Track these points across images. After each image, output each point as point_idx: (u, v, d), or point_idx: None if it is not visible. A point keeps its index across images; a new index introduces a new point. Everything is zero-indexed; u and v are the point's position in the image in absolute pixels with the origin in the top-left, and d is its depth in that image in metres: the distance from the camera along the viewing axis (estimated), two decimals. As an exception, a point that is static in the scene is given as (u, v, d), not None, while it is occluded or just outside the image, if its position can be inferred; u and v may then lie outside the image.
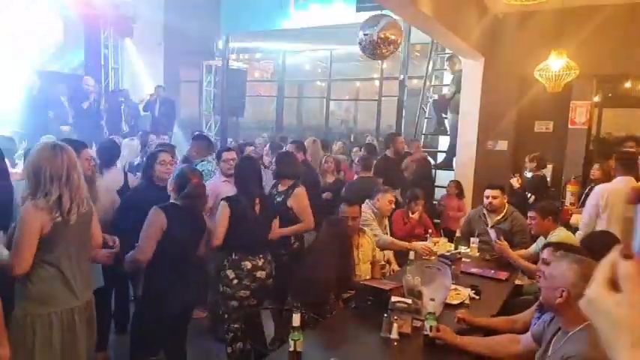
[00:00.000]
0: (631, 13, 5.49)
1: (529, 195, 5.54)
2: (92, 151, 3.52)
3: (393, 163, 5.58)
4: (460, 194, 5.77)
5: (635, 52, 5.54)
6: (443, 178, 7.13)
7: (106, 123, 8.74)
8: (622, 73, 6.33)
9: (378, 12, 4.45)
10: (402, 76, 6.66)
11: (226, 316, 3.05)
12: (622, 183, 3.90)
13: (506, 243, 3.68)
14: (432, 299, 2.40)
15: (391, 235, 4.51)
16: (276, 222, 3.22)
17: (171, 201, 2.69)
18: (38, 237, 2.02)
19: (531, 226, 3.67)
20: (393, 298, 2.54)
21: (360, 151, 6.01)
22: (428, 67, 7.24)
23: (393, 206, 3.98)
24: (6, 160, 2.82)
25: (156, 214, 2.57)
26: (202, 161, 4.32)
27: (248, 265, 2.98)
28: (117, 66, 9.84)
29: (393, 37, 4.09)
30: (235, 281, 2.98)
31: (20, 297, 2.09)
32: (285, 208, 3.38)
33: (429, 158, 6.67)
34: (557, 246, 2.47)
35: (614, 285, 0.57)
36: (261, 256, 3.05)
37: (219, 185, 3.75)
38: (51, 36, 8.86)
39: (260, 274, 3.02)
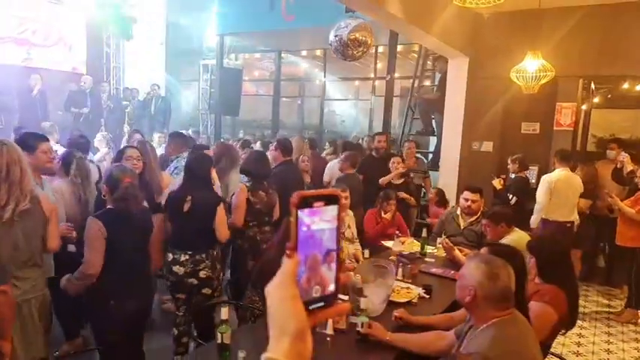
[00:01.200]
0: (615, 13, 5.44)
1: (510, 196, 5.52)
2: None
3: (376, 161, 5.63)
4: (440, 201, 5.74)
5: (621, 52, 5.48)
6: (433, 178, 7.16)
7: (106, 121, 8.93)
8: (610, 75, 6.25)
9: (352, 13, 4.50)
10: (388, 76, 6.67)
11: None
12: (562, 173, 5.04)
13: (451, 244, 3.76)
14: (365, 296, 2.45)
15: (363, 234, 4.56)
16: (215, 225, 3.15)
17: (108, 206, 2.60)
18: None
19: (486, 233, 3.70)
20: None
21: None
22: (417, 67, 7.24)
23: (346, 201, 3.96)
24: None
25: (93, 225, 2.48)
26: (178, 157, 4.48)
27: (169, 257, 3.08)
28: (118, 65, 10.06)
29: (362, 38, 4.14)
30: (163, 271, 3.14)
31: None
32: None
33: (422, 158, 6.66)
34: (492, 246, 2.50)
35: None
36: (188, 252, 3.07)
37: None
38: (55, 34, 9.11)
39: (177, 269, 3.06)
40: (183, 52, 10.22)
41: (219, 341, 2.20)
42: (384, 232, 4.59)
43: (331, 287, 0.63)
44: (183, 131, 6.67)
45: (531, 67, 4.68)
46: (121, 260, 2.56)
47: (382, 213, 4.65)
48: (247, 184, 3.61)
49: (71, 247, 2.89)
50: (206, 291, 3.15)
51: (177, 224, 3.10)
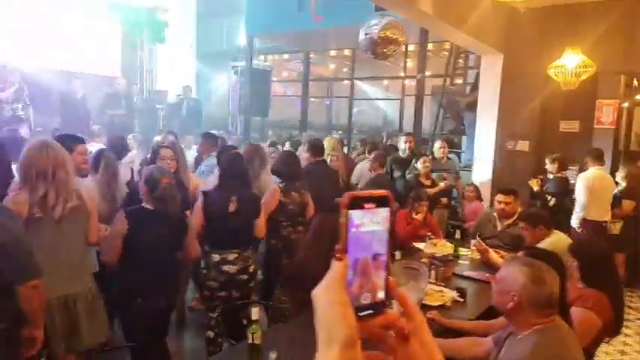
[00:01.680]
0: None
1: (549, 198, 5.34)
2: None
3: (402, 161, 5.56)
4: (479, 196, 5.61)
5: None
6: (465, 178, 7.00)
7: (138, 122, 9.15)
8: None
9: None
10: (419, 75, 6.56)
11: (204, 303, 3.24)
12: (597, 172, 5.07)
13: (485, 246, 3.64)
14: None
15: (391, 235, 4.49)
16: (257, 221, 3.24)
17: (142, 204, 2.65)
18: None
19: (524, 236, 3.56)
20: (361, 297, 2.55)
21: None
22: (448, 65, 7.09)
23: None
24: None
25: (118, 221, 2.58)
26: (209, 156, 4.58)
27: (216, 257, 3.07)
28: (151, 68, 10.31)
29: (393, 36, 4.07)
30: (204, 271, 3.11)
31: None
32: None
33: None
34: (529, 250, 2.40)
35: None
36: (235, 251, 3.10)
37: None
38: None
39: (228, 267, 3.08)
40: (213, 54, 10.38)
41: (250, 341, 2.19)
42: (415, 234, 4.50)
43: (380, 294, 0.59)
44: (215, 132, 6.76)
45: (571, 63, 4.49)
46: (151, 258, 2.60)
47: (413, 214, 4.56)
48: (280, 186, 3.62)
49: None
50: (252, 284, 3.25)
51: (218, 224, 3.10)
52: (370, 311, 0.58)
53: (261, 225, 3.27)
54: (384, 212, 0.59)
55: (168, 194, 2.60)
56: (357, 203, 0.58)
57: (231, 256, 3.10)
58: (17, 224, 1.96)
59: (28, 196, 2.19)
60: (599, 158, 5.13)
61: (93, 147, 3.93)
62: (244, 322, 3.17)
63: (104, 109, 8.37)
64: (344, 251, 0.58)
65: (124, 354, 2.85)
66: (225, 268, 3.08)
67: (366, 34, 4.19)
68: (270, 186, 3.73)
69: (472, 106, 6.57)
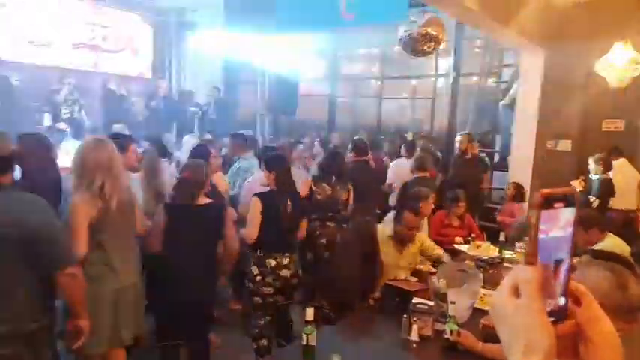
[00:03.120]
0: None
1: (592, 199, 5.16)
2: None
3: (462, 162, 5.50)
4: (517, 197, 5.44)
5: None
6: (498, 179, 6.83)
7: (175, 123, 9.25)
8: None
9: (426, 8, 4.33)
10: (454, 73, 6.42)
11: (252, 311, 3.14)
12: (622, 161, 5.44)
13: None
14: (453, 302, 2.31)
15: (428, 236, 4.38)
16: (303, 222, 3.23)
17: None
18: (87, 225, 2.23)
19: (575, 239, 3.39)
20: (415, 300, 2.49)
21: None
22: (483, 63, 6.92)
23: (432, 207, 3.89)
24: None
25: (158, 214, 2.70)
26: (239, 158, 4.53)
27: (272, 262, 3.02)
28: (180, 68, 10.41)
29: (434, 33, 3.97)
30: (258, 277, 3.02)
31: None
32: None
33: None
34: (595, 253, 2.27)
35: (516, 291, 0.55)
36: (287, 254, 3.07)
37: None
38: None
39: (284, 272, 3.04)
40: (242, 53, 10.36)
41: (304, 342, 2.15)
42: (451, 235, 4.36)
43: (561, 301, 0.56)
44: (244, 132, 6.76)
45: (620, 60, 4.31)
46: (177, 252, 2.65)
47: (451, 215, 4.44)
48: (314, 175, 3.73)
49: None
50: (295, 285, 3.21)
51: (275, 226, 3.06)
52: (553, 318, 0.55)
53: (303, 225, 3.25)
54: (569, 213, 0.56)
55: (183, 188, 2.69)
56: (549, 202, 0.55)
57: (286, 260, 3.07)
58: (51, 212, 1.97)
59: (90, 191, 2.26)
60: (620, 153, 5.49)
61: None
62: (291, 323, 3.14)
63: (142, 109, 8.52)
64: (535, 255, 0.55)
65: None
66: (283, 272, 3.04)
67: (405, 31, 4.09)
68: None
69: (508, 105, 6.41)
